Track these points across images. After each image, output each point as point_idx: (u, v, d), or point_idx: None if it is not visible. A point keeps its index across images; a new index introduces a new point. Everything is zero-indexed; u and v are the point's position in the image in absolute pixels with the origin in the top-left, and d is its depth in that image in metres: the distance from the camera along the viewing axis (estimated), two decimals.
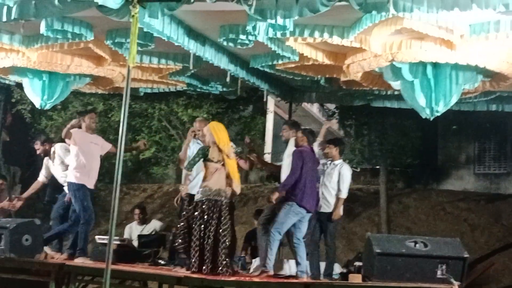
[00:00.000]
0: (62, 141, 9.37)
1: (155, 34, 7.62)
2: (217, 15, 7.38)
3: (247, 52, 8.79)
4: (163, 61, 9.36)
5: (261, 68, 9.35)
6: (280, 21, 6.81)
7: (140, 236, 10.31)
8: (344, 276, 8.92)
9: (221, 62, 8.97)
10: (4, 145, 17.94)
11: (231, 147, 8.13)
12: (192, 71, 9.78)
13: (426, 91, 8.10)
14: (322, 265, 8.76)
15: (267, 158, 19.18)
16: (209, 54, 8.58)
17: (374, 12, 6.57)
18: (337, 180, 8.67)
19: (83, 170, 8.66)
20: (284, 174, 8.48)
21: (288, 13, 6.37)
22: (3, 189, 10.15)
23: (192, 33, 8.07)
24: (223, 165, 7.90)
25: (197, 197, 7.86)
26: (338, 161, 8.79)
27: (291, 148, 8.57)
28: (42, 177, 9.61)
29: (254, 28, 7.03)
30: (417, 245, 7.39)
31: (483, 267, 13.59)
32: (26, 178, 19.07)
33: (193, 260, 7.57)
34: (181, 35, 7.81)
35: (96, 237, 9.74)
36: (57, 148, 9.32)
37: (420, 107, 8.21)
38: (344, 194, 8.70)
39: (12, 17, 6.90)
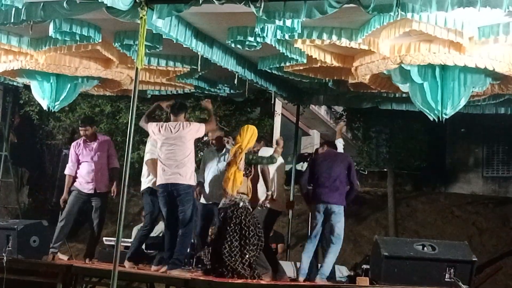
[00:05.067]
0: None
1: (165, 36, 7.61)
2: (225, 17, 7.38)
3: (255, 54, 8.78)
4: (171, 63, 9.36)
5: (269, 70, 9.33)
6: (288, 23, 6.82)
7: None
8: (351, 279, 8.91)
9: (229, 64, 8.96)
10: (12, 146, 17.96)
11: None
12: (200, 73, 9.78)
13: (435, 93, 8.07)
14: None
15: None
16: (217, 56, 8.56)
17: (382, 14, 6.56)
18: None
19: None
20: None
21: (296, 14, 6.37)
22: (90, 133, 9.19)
23: (200, 35, 8.06)
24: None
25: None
26: None
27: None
28: None
29: (262, 30, 7.03)
30: (425, 248, 7.38)
31: (491, 271, 13.53)
32: (34, 179, 19.15)
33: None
34: (188, 37, 7.80)
35: (104, 238, 9.73)
36: None
37: (429, 110, 8.18)
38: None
39: (21, 19, 6.93)
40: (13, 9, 6.89)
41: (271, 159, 8.11)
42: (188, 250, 9.77)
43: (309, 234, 8.67)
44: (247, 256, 7.62)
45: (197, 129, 8.18)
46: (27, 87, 11.11)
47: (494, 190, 19.39)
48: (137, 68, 6.68)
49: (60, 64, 9.27)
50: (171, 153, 8.01)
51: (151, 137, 8.40)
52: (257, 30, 7.04)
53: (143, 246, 9.99)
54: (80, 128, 9.31)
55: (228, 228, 7.69)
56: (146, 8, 6.48)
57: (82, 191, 8.92)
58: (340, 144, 9.12)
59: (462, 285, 7.05)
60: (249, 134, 8.05)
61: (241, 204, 7.78)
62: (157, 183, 8.09)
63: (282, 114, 21.07)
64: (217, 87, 11.09)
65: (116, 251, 6.42)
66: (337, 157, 8.70)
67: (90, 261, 8.87)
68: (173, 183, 7.92)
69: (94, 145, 9.13)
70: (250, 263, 7.65)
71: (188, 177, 7.98)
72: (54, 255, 8.68)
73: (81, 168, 9.05)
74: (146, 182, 8.66)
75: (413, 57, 7.74)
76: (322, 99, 12.16)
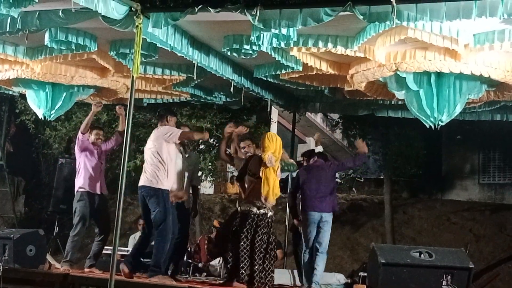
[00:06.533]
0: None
1: (159, 45, 7.62)
2: (221, 25, 7.39)
3: (251, 62, 8.80)
4: (167, 71, 9.37)
5: (265, 78, 9.34)
6: (284, 31, 6.83)
7: None
8: (349, 286, 8.90)
9: (225, 72, 8.96)
10: (8, 155, 17.95)
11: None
12: (196, 82, 9.79)
13: (430, 101, 8.09)
14: None
15: None
16: (213, 64, 8.56)
17: (378, 22, 6.58)
18: None
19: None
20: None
21: (292, 23, 6.38)
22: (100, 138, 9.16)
23: (196, 43, 8.06)
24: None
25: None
26: None
27: None
28: None
29: (258, 38, 7.04)
30: (422, 255, 7.36)
31: (488, 278, 13.53)
32: (30, 188, 19.11)
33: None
34: (185, 46, 7.79)
35: None
36: None
37: (424, 117, 8.19)
38: None
39: (16, 28, 6.93)
40: (9, 18, 6.90)
41: (293, 167, 8.57)
42: (185, 258, 9.72)
43: (304, 245, 8.59)
44: (266, 264, 7.59)
45: (165, 133, 7.96)
46: (23, 96, 11.12)
47: (490, 196, 19.42)
48: (133, 77, 6.68)
49: (56, 73, 9.27)
50: (146, 156, 8.03)
51: None
52: (253, 38, 7.04)
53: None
54: (95, 131, 9.14)
55: (256, 236, 7.60)
56: (141, 17, 6.50)
57: (91, 192, 8.78)
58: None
59: None
60: (278, 142, 7.84)
61: (269, 213, 7.71)
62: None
63: (278, 121, 21.08)
64: (213, 95, 11.09)
65: (112, 260, 6.41)
66: (323, 166, 8.70)
67: (88, 269, 8.83)
68: (143, 185, 7.89)
69: (103, 145, 9.10)
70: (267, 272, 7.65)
71: (157, 181, 7.84)
72: (71, 266, 8.59)
73: (92, 168, 8.85)
74: None
75: (409, 65, 7.76)
76: (318, 107, 12.18)
